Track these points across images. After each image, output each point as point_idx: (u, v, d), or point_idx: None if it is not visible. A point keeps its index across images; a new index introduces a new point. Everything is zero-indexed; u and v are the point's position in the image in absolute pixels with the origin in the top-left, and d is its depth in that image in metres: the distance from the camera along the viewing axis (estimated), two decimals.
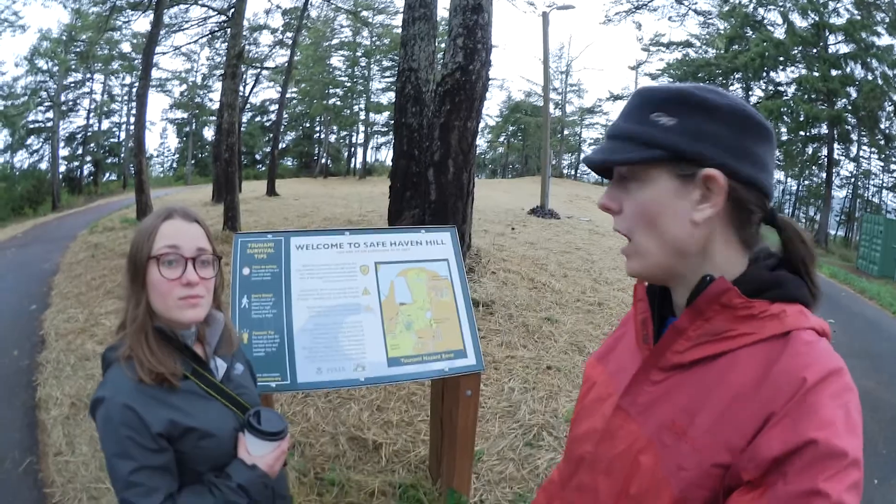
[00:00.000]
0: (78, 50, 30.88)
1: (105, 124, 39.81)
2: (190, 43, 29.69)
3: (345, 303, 2.38)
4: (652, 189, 0.82)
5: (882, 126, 29.31)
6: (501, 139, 49.04)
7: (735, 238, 0.83)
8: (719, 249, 0.82)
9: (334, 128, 44.98)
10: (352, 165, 46.92)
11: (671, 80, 36.47)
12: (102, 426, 1.23)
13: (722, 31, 31.91)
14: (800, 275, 0.83)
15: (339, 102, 42.19)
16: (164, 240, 1.29)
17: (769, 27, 29.99)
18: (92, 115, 38.08)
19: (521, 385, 4.41)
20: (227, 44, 15.99)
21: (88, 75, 35.91)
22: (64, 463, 3.49)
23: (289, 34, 27.82)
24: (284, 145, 43.11)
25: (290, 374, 2.18)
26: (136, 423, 1.21)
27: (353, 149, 48.07)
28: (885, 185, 33.21)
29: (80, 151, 38.07)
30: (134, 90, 32.38)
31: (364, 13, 31.10)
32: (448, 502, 2.81)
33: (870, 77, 26.84)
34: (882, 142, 30.16)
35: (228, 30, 15.02)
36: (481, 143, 45.32)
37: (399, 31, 8.35)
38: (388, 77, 40.24)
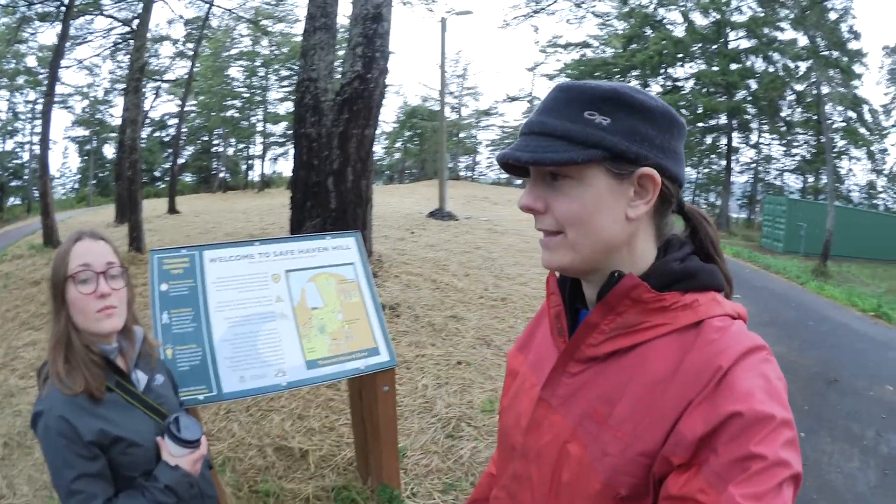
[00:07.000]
0: None
1: (9, 144, 37.07)
2: (93, 56, 28.06)
3: (260, 311, 2.44)
4: (589, 188, 0.80)
5: (783, 114, 31.34)
6: (398, 145, 48.79)
7: (653, 230, 0.86)
8: (641, 241, 0.84)
9: (232, 140, 43.75)
10: (249, 178, 45.76)
11: (568, 79, 37.57)
12: (43, 438, 1.34)
13: (620, 32, 32.91)
14: (710, 256, 0.88)
15: (236, 114, 41.00)
16: (76, 260, 1.41)
17: (668, 26, 31.27)
18: None
19: (434, 381, 4.53)
20: (129, 56, 15.35)
21: None
22: None
23: (189, 45, 26.90)
24: (183, 160, 41.38)
25: (215, 386, 2.22)
26: (71, 432, 1.32)
27: (250, 161, 46.94)
28: (786, 167, 35.54)
29: None
30: (38, 107, 29.83)
31: (264, 22, 30.47)
32: (381, 497, 2.92)
33: (771, 69, 28.54)
34: (783, 128, 32.29)
35: (132, 42, 14.46)
36: (378, 149, 44.41)
37: (298, 39, 8.32)
38: (285, 87, 39.30)
